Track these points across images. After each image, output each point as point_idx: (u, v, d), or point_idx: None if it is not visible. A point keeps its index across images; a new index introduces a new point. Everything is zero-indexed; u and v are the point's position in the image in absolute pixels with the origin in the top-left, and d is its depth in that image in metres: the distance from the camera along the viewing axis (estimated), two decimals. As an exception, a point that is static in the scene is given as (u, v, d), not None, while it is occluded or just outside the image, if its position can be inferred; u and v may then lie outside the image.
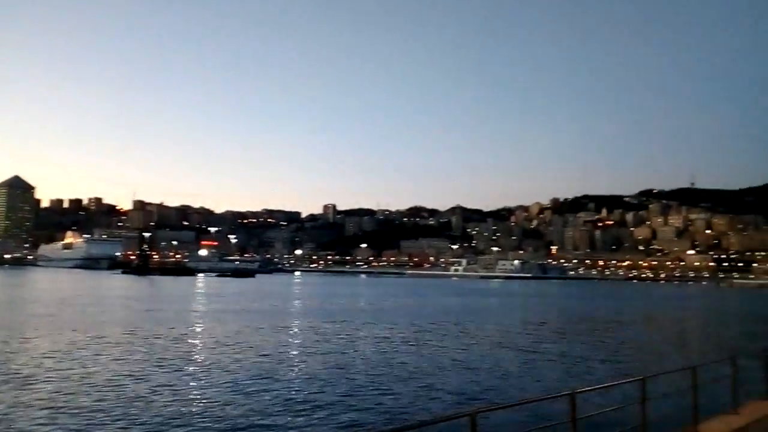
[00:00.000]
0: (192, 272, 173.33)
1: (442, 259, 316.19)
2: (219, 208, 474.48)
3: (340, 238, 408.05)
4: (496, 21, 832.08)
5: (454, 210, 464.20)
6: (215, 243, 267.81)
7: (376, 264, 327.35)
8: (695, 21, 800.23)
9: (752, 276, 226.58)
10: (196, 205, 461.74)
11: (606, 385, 9.98)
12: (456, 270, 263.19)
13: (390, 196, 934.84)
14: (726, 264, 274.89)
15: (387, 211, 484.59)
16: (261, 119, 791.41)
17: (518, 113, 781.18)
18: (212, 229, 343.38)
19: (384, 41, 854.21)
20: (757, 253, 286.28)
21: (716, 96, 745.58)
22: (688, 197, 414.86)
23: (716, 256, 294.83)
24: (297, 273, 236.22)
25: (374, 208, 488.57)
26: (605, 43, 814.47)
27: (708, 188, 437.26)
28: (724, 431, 9.80)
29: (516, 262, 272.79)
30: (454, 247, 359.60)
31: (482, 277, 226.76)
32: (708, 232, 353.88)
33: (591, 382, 20.46)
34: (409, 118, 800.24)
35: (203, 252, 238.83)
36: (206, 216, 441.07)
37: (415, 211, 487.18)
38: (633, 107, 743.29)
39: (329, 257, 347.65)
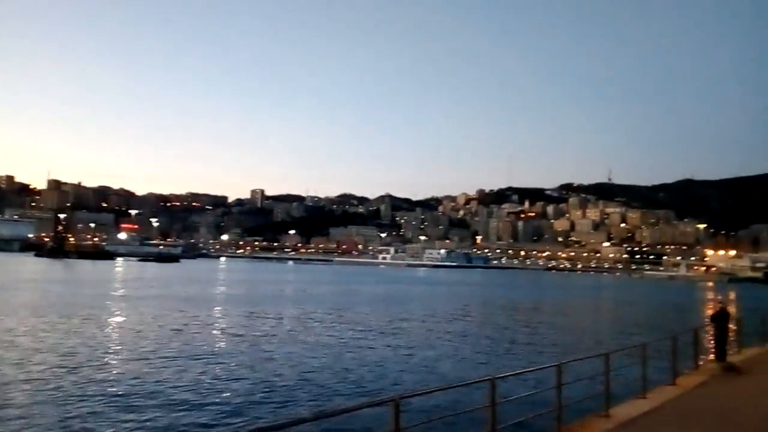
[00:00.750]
0: (111, 256, 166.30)
1: (370, 247, 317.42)
2: (140, 190, 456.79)
3: (268, 224, 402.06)
4: (420, 12, 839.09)
5: (383, 198, 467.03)
6: (136, 226, 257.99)
7: (304, 251, 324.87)
8: (619, 16, 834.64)
9: (662, 268, 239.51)
10: (115, 186, 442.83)
11: (524, 371, 10.27)
12: (384, 258, 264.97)
13: (320, 183, 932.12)
14: (638, 256, 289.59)
15: (316, 197, 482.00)
16: (186, 98, 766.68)
17: (448, 107, 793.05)
18: (133, 212, 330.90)
19: (312, 24, 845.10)
20: (667, 247, 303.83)
21: (633, 95, 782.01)
22: (605, 192, 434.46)
23: (629, 249, 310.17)
24: (222, 259, 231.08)
25: (304, 194, 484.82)
26: (530, 38, 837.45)
27: (623, 184, 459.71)
28: (633, 415, 10.29)
29: (442, 250, 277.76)
30: (383, 235, 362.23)
31: (409, 266, 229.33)
32: (622, 225, 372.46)
33: (511, 368, 21.09)
34: (340, 105, 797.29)
35: (123, 235, 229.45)
36: (127, 198, 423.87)
37: (345, 199, 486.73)
38: (556, 104, 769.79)
39: (256, 243, 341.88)
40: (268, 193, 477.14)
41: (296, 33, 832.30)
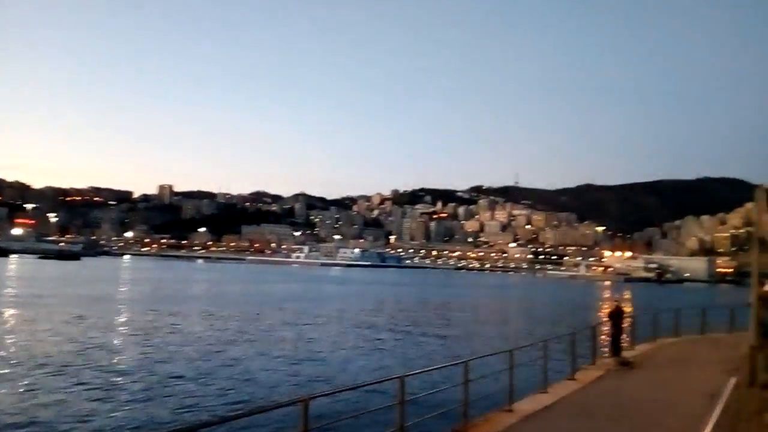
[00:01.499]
0: (4, 253, 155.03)
1: (283, 246, 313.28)
2: (37, 183, 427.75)
3: (176, 221, 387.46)
4: (342, 15, 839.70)
5: (297, 197, 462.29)
6: (32, 221, 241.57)
7: (214, 249, 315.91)
8: (526, 19, 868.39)
9: (564, 268, 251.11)
10: (9, 178, 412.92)
11: (432, 368, 10.45)
12: (297, 257, 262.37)
13: (232, 180, 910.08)
14: (542, 256, 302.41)
15: (228, 195, 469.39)
16: (87, 86, 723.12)
17: (362, 106, 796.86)
18: (29, 206, 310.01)
19: (218, 16, 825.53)
20: (568, 248, 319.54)
21: (540, 103, 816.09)
22: (512, 194, 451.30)
23: (534, 249, 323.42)
24: (126, 257, 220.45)
25: (215, 191, 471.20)
26: (439, 40, 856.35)
27: (529, 187, 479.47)
28: (534, 409, 10.70)
29: (356, 250, 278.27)
30: (297, 234, 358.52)
31: (323, 265, 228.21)
32: (528, 227, 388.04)
33: (421, 366, 21.42)
34: (253, 102, 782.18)
35: (17, 231, 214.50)
36: (22, 191, 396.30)
37: (258, 197, 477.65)
38: (467, 109, 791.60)
39: (164, 241, 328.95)
40: (177, 189, 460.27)
41: (205, 25, 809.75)
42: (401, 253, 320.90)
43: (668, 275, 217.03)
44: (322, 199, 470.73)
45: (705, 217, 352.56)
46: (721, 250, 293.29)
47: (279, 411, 5.99)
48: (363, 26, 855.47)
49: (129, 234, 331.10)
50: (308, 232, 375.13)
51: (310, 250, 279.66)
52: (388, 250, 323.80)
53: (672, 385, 13.14)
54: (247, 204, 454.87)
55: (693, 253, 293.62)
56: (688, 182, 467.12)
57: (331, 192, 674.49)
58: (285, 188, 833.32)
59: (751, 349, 5.55)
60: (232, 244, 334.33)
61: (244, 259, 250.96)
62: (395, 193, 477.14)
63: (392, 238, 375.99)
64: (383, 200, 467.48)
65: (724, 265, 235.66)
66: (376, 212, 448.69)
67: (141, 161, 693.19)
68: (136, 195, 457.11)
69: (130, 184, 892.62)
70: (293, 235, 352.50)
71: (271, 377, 19.10)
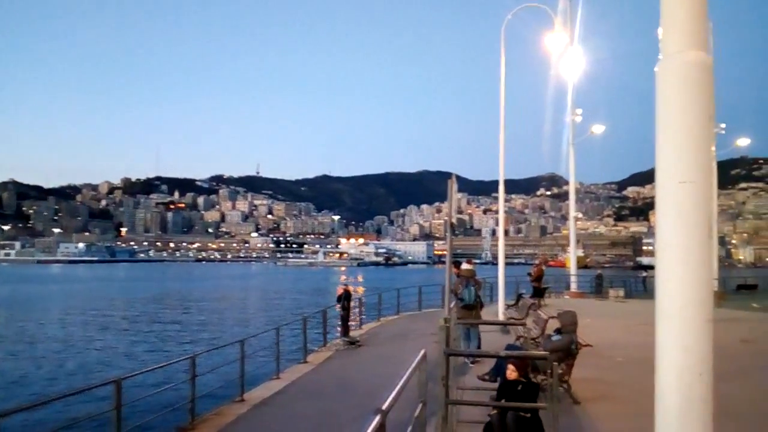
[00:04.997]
0: None
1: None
2: None
3: None
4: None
5: (5, 185, 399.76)
6: None
7: None
8: (263, 18, 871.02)
9: (303, 255, 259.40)
10: None
11: (154, 367, 9.88)
12: (7, 254, 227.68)
13: None
14: (283, 245, 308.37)
15: None
16: None
17: (88, 84, 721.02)
18: None
19: None
20: (308, 236, 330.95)
21: (280, 94, 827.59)
22: (253, 184, 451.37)
23: (275, 238, 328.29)
24: None
25: None
26: (184, 27, 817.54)
27: (270, 177, 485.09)
28: (266, 396, 10.83)
29: (81, 244, 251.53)
30: (6, 227, 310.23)
31: (40, 262, 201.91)
32: (269, 216, 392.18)
33: (149, 365, 20.24)
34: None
35: None
36: None
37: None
38: (207, 96, 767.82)
39: None
40: None
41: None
42: (134, 247, 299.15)
43: (395, 259, 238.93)
44: (37, 188, 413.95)
45: (425, 206, 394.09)
46: (437, 234, 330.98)
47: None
48: (89, 4, 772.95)
49: None
50: (20, 225, 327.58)
51: (24, 246, 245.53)
52: (119, 243, 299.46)
53: (391, 359, 14.42)
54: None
55: (415, 238, 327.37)
56: (411, 175, 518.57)
57: (50, 180, 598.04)
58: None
59: (444, 320, 6.34)
60: None
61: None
62: (126, 181, 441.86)
63: (123, 230, 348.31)
64: (112, 189, 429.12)
65: (440, 248, 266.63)
66: (104, 202, 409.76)
67: None
68: None
69: None
70: (1, 229, 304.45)
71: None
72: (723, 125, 33.71)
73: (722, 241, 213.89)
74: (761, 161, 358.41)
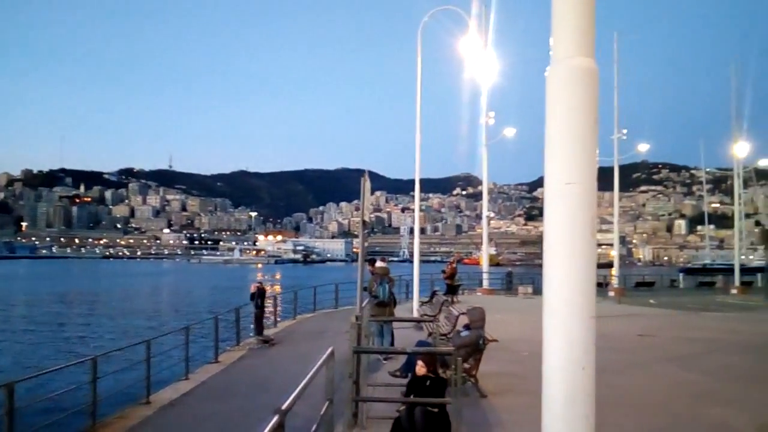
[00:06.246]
0: None
1: None
2: None
3: None
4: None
5: None
6: None
7: None
8: (178, 10, 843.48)
9: (219, 253, 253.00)
10: None
11: (51, 369, 9.39)
12: None
13: None
14: (197, 242, 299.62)
15: None
16: None
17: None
18: None
19: None
20: (223, 233, 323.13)
21: (198, 86, 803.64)
22: (166, 179, 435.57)
23: (189, 235, 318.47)
24: None
25: None
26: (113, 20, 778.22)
27: (184, 171, 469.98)
28: (173, 397, 10.50)
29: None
30: None
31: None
32: (183, 212, 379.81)
33: (46, 368, 19.15)
34: None
35: None
36: None
37: None
38: (118, 85, 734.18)
39: None
40: None
41: None
42: (36, 243, 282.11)
43: (313, 256, 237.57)
44: None
45: (343, 204, 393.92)
46: (356, 232, 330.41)
47: None
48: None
49: None
50: None
51: None
52: (19, 239, 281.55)
53: (305, 358, 14.31)
54: None
55: (334, 236, 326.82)
56: (330, 172, 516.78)
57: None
58: None
59: (355, 318, 6.37)
60: None
61: None
62: (27, 173, 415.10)
63: (24, 225, 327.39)
64: (12, 181, 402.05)
65: (358, 246, 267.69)
66: (2, 195, 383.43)
67: None
68: None
69: None
70: None
71: None
72: (625, 131, 35.67)
73: (623, 241, 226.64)
74: (660, 166, 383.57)
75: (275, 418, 2.75)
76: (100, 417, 8.65)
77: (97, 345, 24.08)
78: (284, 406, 2.97)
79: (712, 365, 11.37)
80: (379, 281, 12.14)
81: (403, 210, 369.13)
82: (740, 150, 39.87)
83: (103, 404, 8.91)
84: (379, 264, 12.82)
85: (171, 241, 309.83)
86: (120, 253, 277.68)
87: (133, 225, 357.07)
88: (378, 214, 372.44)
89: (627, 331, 16.02)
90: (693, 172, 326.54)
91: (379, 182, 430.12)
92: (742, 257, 55.04)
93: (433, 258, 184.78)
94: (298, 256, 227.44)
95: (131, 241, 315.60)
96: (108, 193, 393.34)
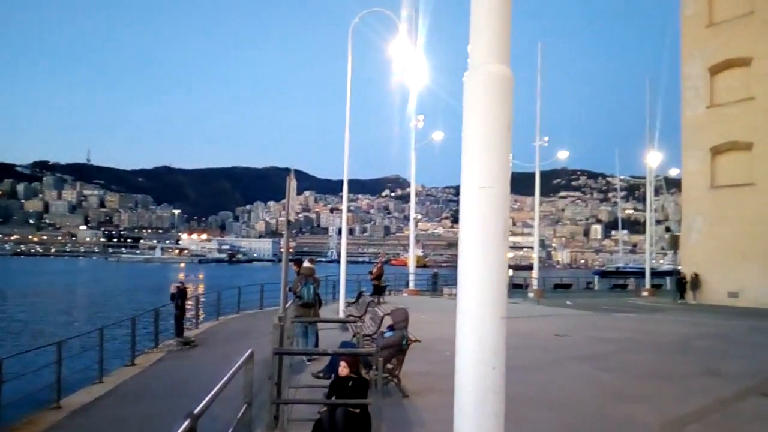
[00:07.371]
0: None
1: None
2: None
3: None
4: None
5: None
6: None
7: None
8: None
9: (139, 251, 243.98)
10: None
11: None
12: None
13: None
14: (116, 240, 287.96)
15: None
16: None
17: None
18: None
19: None
20: (144, 230, 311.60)
21: (116, 78, 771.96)
22: (83, 173, 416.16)
23: (107, 232, 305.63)
24: None
25: None
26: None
27: (103, 166, 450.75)
28: (85, 401, 10.06)
29: None
30: None
31: None
32: (101, 208, 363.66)
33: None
34: None
35: None
36: None
37: None
38: (33, 76, 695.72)
39: None
40: None
41: None
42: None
43: (239, 256, 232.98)
44: None
45: (271, 203, 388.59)
46: (284, 232, 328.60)
47: None
48: None
49: None
50: None
51: None
52: None
53: (227, 359, 14.00)
54: None
55: (261, 235, 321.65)
56: (259, 170, 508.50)
57: None
58: None
59: (278, 319, 6.30)
60: None
61: None
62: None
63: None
64: None
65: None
66: None
67: None
68: None
69: None
70: None
71: None
72: (546, 138, 36.84)
73: (543, 244, 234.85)
74: (579, 172, 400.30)
75: (186, 423, 2.67)
76: (4, 423, 8.21)
77: (3, 346, 22.72)
78: (197, 411, 2.89)
79: (623, 364, 11.93)
80: (304, 282, 12.04)
81: (331, 210, 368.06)
82: (652, 160, 42.32)
83: (8, 409, 8.44)
84: (305, 264, 12.72)
85: (88, 239, 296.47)
86: (32, 250, 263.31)
87: (47, 221, 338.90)
88: (306, 214, 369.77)
89: (545, 331, 16.61)
90: (609, 179, 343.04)
91: (309, 182, 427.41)
92: (653, 261, 58.32)
93: (361, 259, 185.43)
94: (224, 256, 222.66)
95: (45, 237, 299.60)
96: (20, 187, 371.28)
